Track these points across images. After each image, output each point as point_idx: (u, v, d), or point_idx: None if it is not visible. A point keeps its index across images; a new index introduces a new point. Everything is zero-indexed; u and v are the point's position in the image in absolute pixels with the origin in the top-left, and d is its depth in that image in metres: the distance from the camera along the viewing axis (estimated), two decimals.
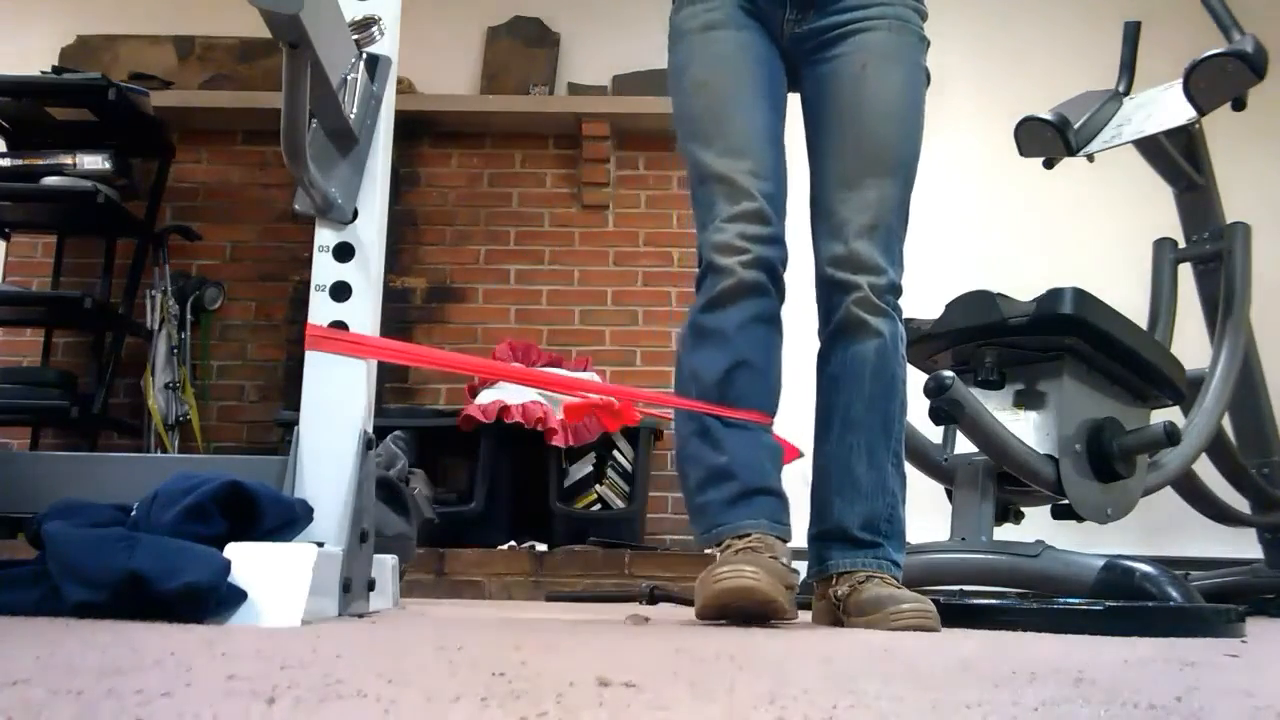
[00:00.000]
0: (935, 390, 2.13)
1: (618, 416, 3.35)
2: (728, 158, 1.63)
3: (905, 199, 1.68)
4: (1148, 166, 2.77)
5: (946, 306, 2.34)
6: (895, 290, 1.65)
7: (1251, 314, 2.74)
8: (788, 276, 1.68)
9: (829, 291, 1.65)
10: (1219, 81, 2.46)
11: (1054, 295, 2.19)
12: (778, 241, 1.63)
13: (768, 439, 1.62)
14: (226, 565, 1.12)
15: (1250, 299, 2.73)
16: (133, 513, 1.23)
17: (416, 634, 1.13)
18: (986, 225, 3.94)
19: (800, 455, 1.79)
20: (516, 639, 1.07)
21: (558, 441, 3.27)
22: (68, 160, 3.58)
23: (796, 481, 1.75)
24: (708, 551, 1.53)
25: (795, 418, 1.82)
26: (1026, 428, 2.27)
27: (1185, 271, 2.87)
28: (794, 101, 1.77)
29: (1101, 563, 2.02)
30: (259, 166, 4.07)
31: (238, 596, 1.12)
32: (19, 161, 3.59)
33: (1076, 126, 2.71)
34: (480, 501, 3.29)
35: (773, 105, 1.69)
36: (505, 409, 3.24)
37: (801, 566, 1.72)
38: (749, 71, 1.67)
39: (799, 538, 1.69)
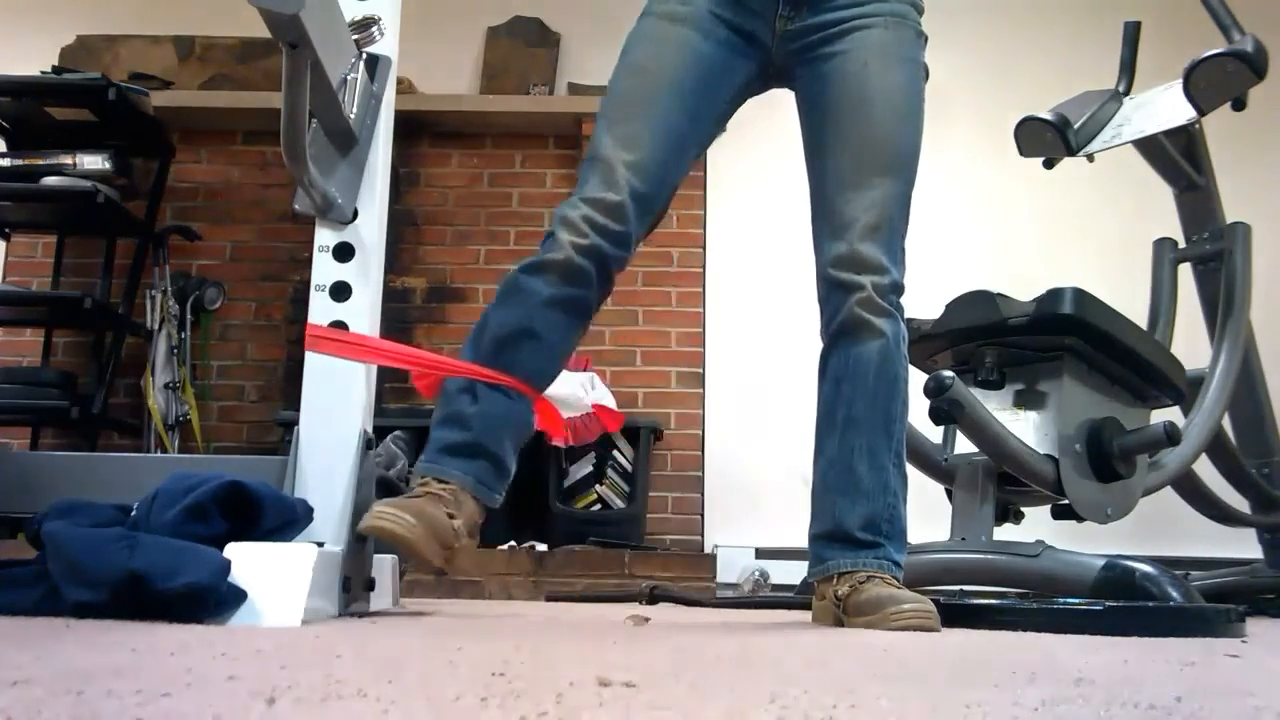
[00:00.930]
0: (935, 390, 2.13)
1: (615, 418, 3.36)
2: (619, 146, 1.62)
3: (907, 197, 1.67)
4: (1148, 166, 2.77)
5: (946, 306, 2.34)
6: (898, 290, 1.64)
7: (1251, 314, 2.74)
8: (786, 271, 1.67)
9: (832, 291, 1.64)
10: (1219, 81, 2.46)
11: (1054, 295, 2.19)
12: (623, 242, 1.62)
13: (522, 411, 1.59)
14: (226, 565, 1.12)
15: (1250, 299, 2.73)
16: (133, 513, 1.23)
17: (416, 634, 1.13)
18: (986, 225, 3.95)
19: (566, 439, 1.77)
20: (516, 639, 1.07)
21: (558, 441, 3.27)
22: (68, 160, 3.57)
23: (796, 481, 1.75)
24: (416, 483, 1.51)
25: (795, 417, 1.82)
26: (1026, 428, 2.27)
27: (1185, 271, 2.87)
28: (790, 101, 1.77)
29: (1101, 563, 2.02)
30: (259, 166, 4.07)
31: (238, 596, 1.12)
32: (19, 161, 3.59)
33: (1076, 126, 2.71)
34: None
35: (695, 114, 1.66)
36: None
37: (801, 566, 1.72)
38: (685, 74, 1.65)
39: (800, 538, 1.69)
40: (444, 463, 1.52)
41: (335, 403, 1.39)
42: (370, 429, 1.42)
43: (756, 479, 3.74)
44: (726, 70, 1.69)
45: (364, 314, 1.43)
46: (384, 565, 1.58)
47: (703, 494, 3.81)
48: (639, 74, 1.67)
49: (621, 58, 1.71)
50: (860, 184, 1.64)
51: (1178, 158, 2.71)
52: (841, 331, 1.63)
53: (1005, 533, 2.29)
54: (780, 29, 1.69)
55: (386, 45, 1.50)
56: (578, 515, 3.39)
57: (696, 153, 1.71)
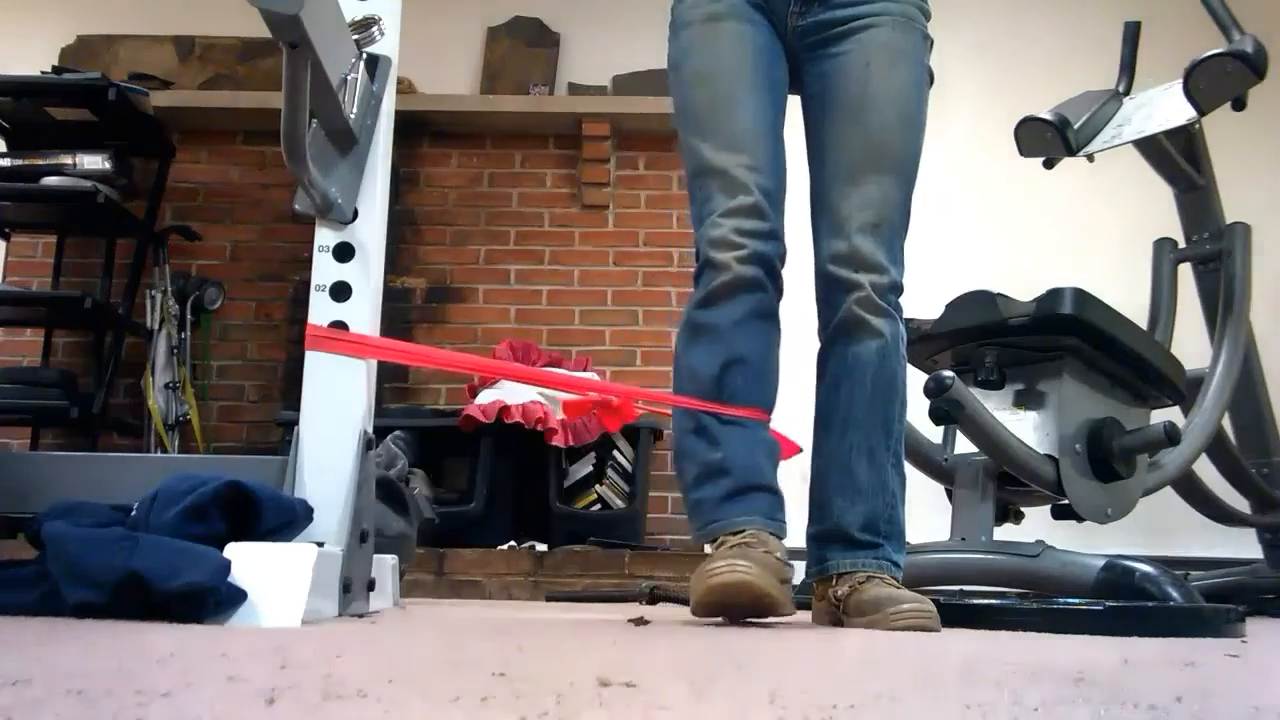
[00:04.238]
0: (935, 390, 2.13)
1: (618, 414, 3.35)
2: (726, 151, 1.62)
3: (908, 197, 1.68)
4: (1148, 166, 2.77)
5: (946, 306, 2.34)
6: (897, 289, 1.64)
7: (1251, 314, 2.74)
8: (786, 273, 1.67)
9: (830, 290, 1.65)
10: (1219, 81, 2.46)
11: (1054, 295, 2.19)
12: (775, 237, 1.63)
13: (764, 435, 1.61)
14: (226, 565, 1.12)
15: (1250, 299, 2.73)
16: (133, 513, 1.23)
17: (416, 634, 1.13)
18: (986, 225, 3.94)
19: (800, 450, 1.79)
20: (516, 639, 1.07)
21: (558, 441, 3.27)
22: (68, 160, 3.57)
23: (795, 480, 1.75)
24: (706, 549, 1.53)
25: (795, 417, 1.82)
26: (1026, 428, 2.27)
27: (1185, 271, 2.87)
28: (794, 99, 1.77)
29: (1101, 563, 2.02)
30: (259, 166, 4.07)
31: (238, 596, 1.12)
32: (19, 161, 3.59)
33: (1076, 126, 2.71)
34: (480, 501, 3.29)
35: (773, 99, 1.69)
36: (505, 409, 3.24)
37: (800, 566, 1.72)
38: (751, 64, 1.66)
39: (798, 537, 1.69)
40: (725, 514, 1.54)
41: (335, 403, 1.39)
42: (370, 429, 1.42)
43: None
44: (777, 51, 1.71)
45: (364, 314, 1.42)
46: (384, 565, 1.58)
47: None
48: (706, 81, 1.68)
49: (676, 74, 1.72)
50: (860, 182, 1.64)
51: (1178, 158, 2.71)
52: (840, 331, 1.63)
53: (1005, 533, 2.29)
54: (792, 26, 1.70)
55: (386, 45, 1.50)
56: (578, 515, 3.38)
57: (783, 128, 1.71)
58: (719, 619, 1.48)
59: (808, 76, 1.73)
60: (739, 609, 1.43)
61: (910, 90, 1.68)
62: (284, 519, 1.24)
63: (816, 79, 1.71)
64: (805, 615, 1.77)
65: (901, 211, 1.67)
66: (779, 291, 1.65)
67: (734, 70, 1.66)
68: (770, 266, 1.62)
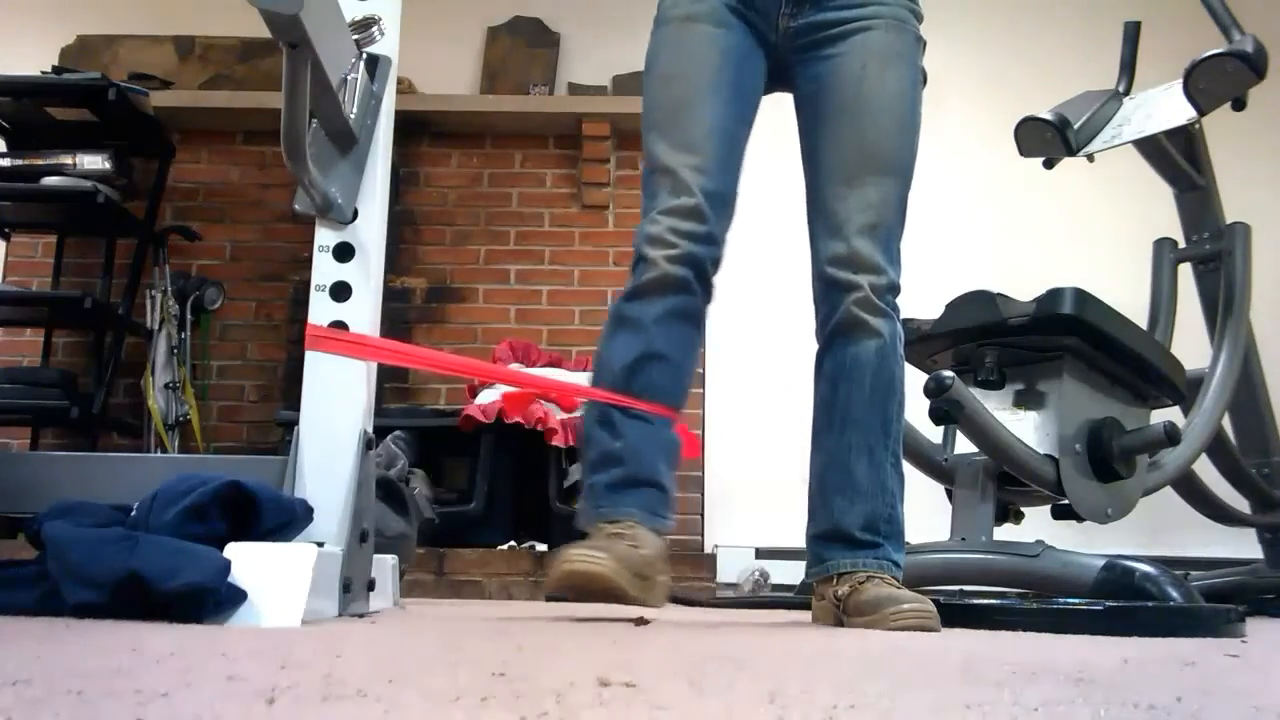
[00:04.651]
0: (935, 390, 2.13)
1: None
2: (678, 152, 1.63)
3: (904, 199, 1.68)
4: (1148, 166, 2.77)
5: (946, 306, 2.34)
6: (895, 290, 1.65)
7: (1251, 314, 2.74)
8: (786, 272, 1.68)
9: (828, 291, 1.65)
10: (1219, 81, 2.46)
11: (1054, 295, 2.19)
12: (711, 241, 1.63)
13: (666, 433, 1.62)
14: (226, 565, 1.12)
15: (1250, 299, 2.73)
16: (133, 513, 1.23)
17: (416, 634, 1.13)
18: (986, 225, 3.94)
19: (700, 455, 1.79)
20: (516, 639, 1.07)
21: (558, 441, 3.27)
22: (68, 160, 3.57)
23: (795, 481, 1.75)
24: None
25: (794, 418, 1.82)
26: (1026, 428, 2.27)
27: (1185, 271, 2.87)
28: (787, 101, 1.77)
29: (1101, 563, 2.02)
30: (259, 166, 4.07)
31: (238, 596, 1.12)
32: (19, 161, 3.59)
33: (1076, 126, 2.71)
34: (480, 501, 3.28)
35: (738, 104, 1.69)
36: (505, 409, 3.24)
37: (801, 566, 1.72)
38: (719, 68, 1.67)
39: (798, 538, 1.69)
40: (609, 503, 1.54)
41: (335, 403, 1.39)
42: (370, 429, 1.42)
43: (756, 479, 3.74)
44: (750, 55, 1.71)
45: (364, 314, 1.42)
46: (384, 565, 1.58)
47: (703, 494, 3.81)
48: (672, 81, 1.69)
49: (648, 72, 1.73)
50: (856, 184, 1.64)
51: (1178, 158, 2.71)
52: (838, 331, 1.63)
53: (1005, 533, 2.29)
54: (783, 27, 1.70)
55: (386, 45, 1.50)
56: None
57: (747, 134, 1.71)
58: (565, 599, 1.49)
59: (800, 79, 1.73)
60: (589, 597, 1.44)
61: (906, 92, 1.68)
62: (284, 519, 1.24)
63: (809, 81, 1.71)
64: (806, 615, 1.77)
65: (898, 213, 1.67)
66: (708, 295, 1.66)
67: (699, 73, 1.67)
68: (701, 269, 1.63)
